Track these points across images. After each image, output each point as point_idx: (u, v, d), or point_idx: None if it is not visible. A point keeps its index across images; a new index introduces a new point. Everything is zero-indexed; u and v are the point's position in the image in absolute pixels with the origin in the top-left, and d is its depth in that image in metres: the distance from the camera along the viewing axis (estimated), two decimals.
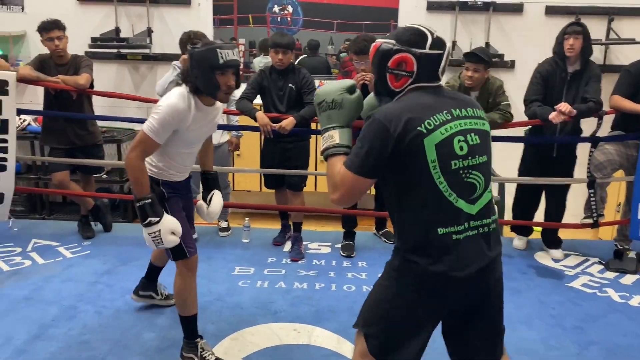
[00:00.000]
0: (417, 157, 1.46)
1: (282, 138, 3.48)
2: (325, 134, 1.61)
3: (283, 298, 3.04)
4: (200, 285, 3.12)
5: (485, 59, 3.45)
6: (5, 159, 3.48)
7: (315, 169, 4.47)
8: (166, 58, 4.66)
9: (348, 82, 1.64)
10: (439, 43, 1.56)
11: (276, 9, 4.68)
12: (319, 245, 3.85)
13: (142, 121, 4.53)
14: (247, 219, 3.95)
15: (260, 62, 4.70)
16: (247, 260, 3.56)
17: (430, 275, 1.49)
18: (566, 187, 3.73)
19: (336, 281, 3.27)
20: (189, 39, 3.36)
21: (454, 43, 4.61)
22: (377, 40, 1.59)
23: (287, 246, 3.81)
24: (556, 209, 3.74)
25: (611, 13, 4.49)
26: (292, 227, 3.81)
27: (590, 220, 3.53)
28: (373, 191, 4.01)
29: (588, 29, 3.44)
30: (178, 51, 4.72)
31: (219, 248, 3.75)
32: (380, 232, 4.06)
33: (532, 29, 4.61)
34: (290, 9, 4.72)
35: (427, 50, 1.54)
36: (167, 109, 2.10)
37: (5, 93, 3.40)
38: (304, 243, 3.76)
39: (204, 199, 2.56)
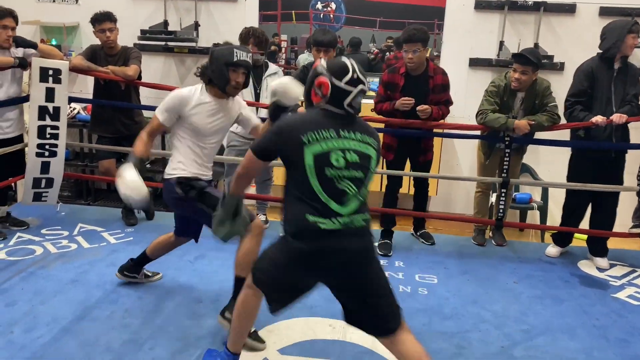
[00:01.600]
0: (297, 160, 1.88)
1: None
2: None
3: (319, 293, 2.98)
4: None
5: (534, 61, 3.37)
6: (56, 145, 3.61)
7: None
8: None
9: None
10: (354, 81, 1.91)
11: (319, 5, 4.68)
12: None
13: None
14: None
15: (306, 59, 4.69)
16: None
17: (299, 250, 1.91)
18: (618, 194, 3.60)
19: None
20: (249, 35, 3.57)
21: (501, 43, 4.51)
22: (318, 62, 2.01)
23: None
24: (606, 217, 3.61)
25: None
26: None
27: (639, 230, 3.40)
28: (412, 191, 3.97)
29: None
30: None
31: None
32: (418, 233, 4.02)
33: (584, 30, 4.46)
34: (333, 5, 4.71)
35: (341, 84, 1.90)
36: (171, 95, 2.56)
37: (59, 81, 3.52)
38: None
39: None
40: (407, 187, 4.05)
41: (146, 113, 4.12)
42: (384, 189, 3.91)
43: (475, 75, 4.55)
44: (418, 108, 3.43)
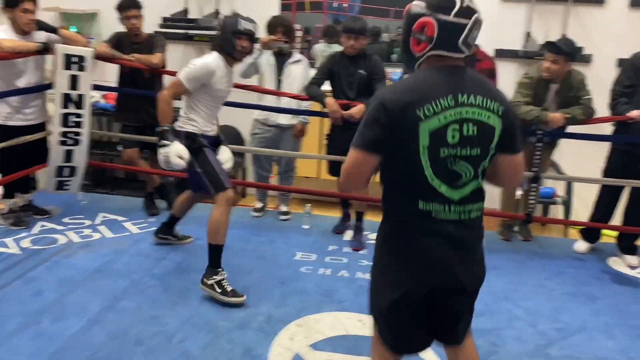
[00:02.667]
0: (409, 141, 1.46)
1: (351, 125, 3.43)
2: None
3: (347, 287, 3.01)
4: (264, 268, 3.17)
5: (565, 50, 3.28)
6: (79, 134, 3.57)
7: None
8: None
9: None
10: (466, 12, 1.47)
11: None
12: None
13: None
14: (308, 205, 3.93)
15: (324, 51, 4.61)
16: (309, 246, 3.54)
17: (408, 253, 1.53)
18: None
19: None
20: (277, 24, 3.68)
21: (527, 34, 4.42)
22: (413, 3, 1.54)
23: (348, 235, 3.77)
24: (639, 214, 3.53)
25: None
26: (354, 216, 3.76)
27: None
28: None
29: None
30: None
31: (281, 232, 3.75)
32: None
33: (614, 22, 4.35)
34: None
35: (450, 18, 1.46)
36: (200, 64, 2.77)
37: (83, 69, 3.47)
38: (365, 233, 3.71)
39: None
40: None
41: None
42: None
43: (501, 67, 4.46)
44: None
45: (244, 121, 4.45)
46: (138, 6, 3.61)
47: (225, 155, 3.05)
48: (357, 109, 3.32)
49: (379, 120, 1.46)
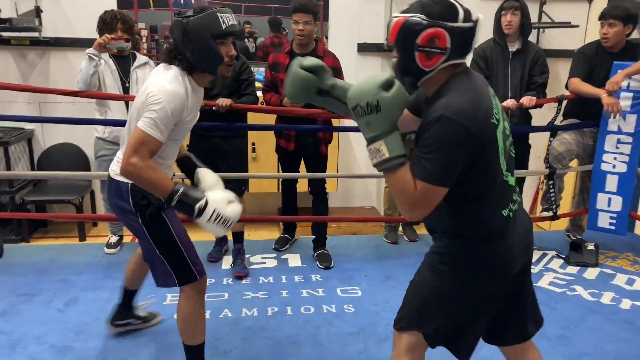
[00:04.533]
0: (490, 150, 1.40)
1: (213, 133, 2.98)
2: (370, 146, 1.41)
3: (232, 331, 2.55)
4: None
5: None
6: None
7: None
8: (61, 43, 3.91)
9: (382, 76, 1.40)
10: (468, 14, 1.40)
11: None
12: (262, 258, 3.37)
13: (33, 119, 3.83)
14: None
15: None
16: None
17: (496, 257, 1.49)
18: (522, 179, 3.55)
19: (291, 302, 2.82)
20: (116, 19, 3.08)
21: (389, 26, 4.27)
22: (398, 15, 1.41)
23: (226, 262, 3.29)
24: None
25: None
26: (230, 237, 3.30)
27: (550, 213, 3.38)
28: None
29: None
30: (75, 35, 4.01)
31: None
32: (316, 254, 3.53)
33: None
34: None
35: (459, 24, 1.38)
36: (168, 97, 1.75)
37: None
38: (247, 256, 3.28)
39: (192, 183, 2.07)
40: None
41: None
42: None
43: (363, 61, 4.29)
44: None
45: (85, 138, 3.74)
46: None
47: (208, 182, 2.01)
48: (224, 99, 2.87)
49: (464, 149, 1.34)
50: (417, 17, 1.36)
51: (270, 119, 3.36)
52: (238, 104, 2.91)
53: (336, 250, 3.46)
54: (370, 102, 1.36)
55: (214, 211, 1.75)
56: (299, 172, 3.37)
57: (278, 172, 3.80)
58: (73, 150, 4.07)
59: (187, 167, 2.10)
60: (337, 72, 3.11)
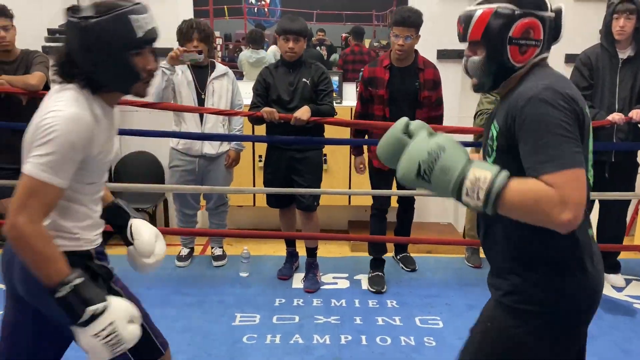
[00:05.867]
0: (586, 147, 1.20)
1: (289, 146, 2.86)
2: (465, 184, 1.12)
3: None
4: (193, 345, 2.47)
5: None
6: None
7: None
8: None
9: (399, 128, 1.26)
10: (547, 4, 1.26)
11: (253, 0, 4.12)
12: (334, 278, 3.18)
13: None
14: (245, 248, 3.24)
15: (251, 56, 4.05)
16: (250, 302, 2.87)
17: (588, 292, 1.27)
18: (627, 202, 3.16)
19: (365, 331, 2.62)
20: (192, 28, 2.96)
21: None
22: (478, 7, 1.24)
23: (296, 280, 3.14)
24: (616, 228, 3.15)
25: None
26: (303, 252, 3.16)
27: None
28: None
29: None
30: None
31: (214, 286, 3.05)
32: (399, 257, 3.41)
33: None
34: None
35: (549, 13, 1.24)
36: (67, 126, 1.26)
37: None
38: (320, 274, 3.14)
39: (124, 239, 1.61)
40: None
41: None
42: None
43: (443, 69, 4.04)
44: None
45: (160, 147, 3.72)
46: (7, 14, 2.82)
47: (142, 241, 1.57)
48: (302, 111, 2.71)
49: (578, 118, 1.16)
50: (508, 7, 1.20)
51: (345, 132, 3.22)
52: (314, 116, 2.75)
53: (412, 275, 3.22)
54: (430, 151, 1.14)
55: (109, 325, 1.26)
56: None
57: (349, 183, 3.74)
58: (148, 159, 4.08)
59: (116, 217, 1.59)
60: (437, 84, 2.95)
